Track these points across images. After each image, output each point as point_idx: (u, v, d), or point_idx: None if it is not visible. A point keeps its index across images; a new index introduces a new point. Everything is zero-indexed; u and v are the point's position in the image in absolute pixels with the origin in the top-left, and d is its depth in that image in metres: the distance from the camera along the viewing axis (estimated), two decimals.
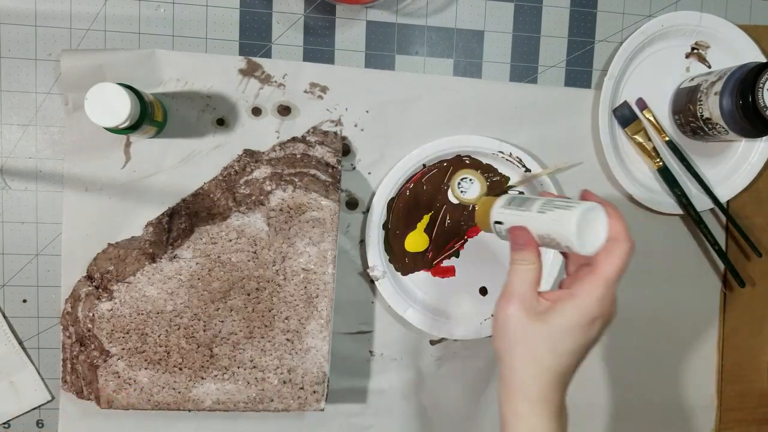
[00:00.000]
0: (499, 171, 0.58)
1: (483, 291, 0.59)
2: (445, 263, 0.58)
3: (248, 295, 0.52)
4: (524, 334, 0.38)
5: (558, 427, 0.38)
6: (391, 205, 0.56)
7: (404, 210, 0.57)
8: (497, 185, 0.58)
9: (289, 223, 0.52)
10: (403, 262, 0.57)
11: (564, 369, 0.38)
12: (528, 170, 0.56)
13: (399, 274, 0.57)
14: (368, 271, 0.55)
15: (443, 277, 0.58)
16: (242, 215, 0.52)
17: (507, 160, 0.56)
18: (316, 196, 0.52)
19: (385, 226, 0.56)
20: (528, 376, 0.38)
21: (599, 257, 0.39)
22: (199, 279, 0.52)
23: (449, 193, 0.57)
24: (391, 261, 0.57)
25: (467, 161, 0.57)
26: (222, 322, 0.52)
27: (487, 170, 0.58)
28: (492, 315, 0.56)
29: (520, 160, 0.56)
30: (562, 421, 0.39)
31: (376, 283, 0.55)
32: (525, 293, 0.39)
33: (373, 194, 0.55)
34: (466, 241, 0.58)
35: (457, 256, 0.58)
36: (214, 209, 0.52)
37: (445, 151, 0.56)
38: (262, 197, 0.52)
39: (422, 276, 0.58)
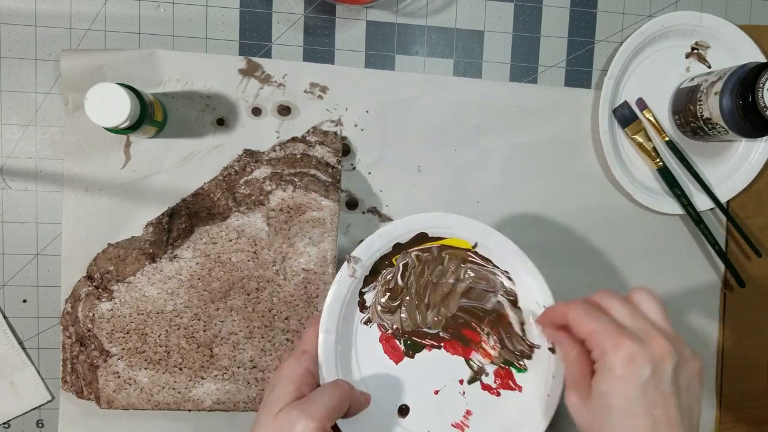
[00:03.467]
0: (524, 324, 0.48)
1: (403, 411, 0.47)
2: (400, 343, 0.48)
3: (248, 295, 0.52)
4: (589, 419, 0.39)
5: None
6: (415, 243, 0.47)
7: (422, 260, 0.48)
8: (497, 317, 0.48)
9: (289, 223, 0.52)
10: (381, 295, 0.48)
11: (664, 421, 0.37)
12: (553, 351, 0.47)
13: (358, 298, 0.47)
14: (350, 257, 0.45)
15: (384, 352, 0.47)
16: (242, 215, 0.52)
17: (506, 298, 0.48)
18: (316, 196, 0.52)
19: (396, 246, 0.47)
20: None
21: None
22: (199, 279, 0.52)
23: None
24: (365, 279, 0.47)
25: (507, 284, 0.48)
26: (222, 322, 0.52)
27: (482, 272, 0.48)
28: None
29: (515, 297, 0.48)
30: None
31: (337, 275, 0.45)
32: (575, 379, 0.40)
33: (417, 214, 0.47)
34: (439, 347, 0.48)
35: (417, 352, 0.48)
36: (214, 209, 0.52)
37: (497, 251, 0.47)
38: (262, 197, 0.52)
39: (373, 328, 0.47)
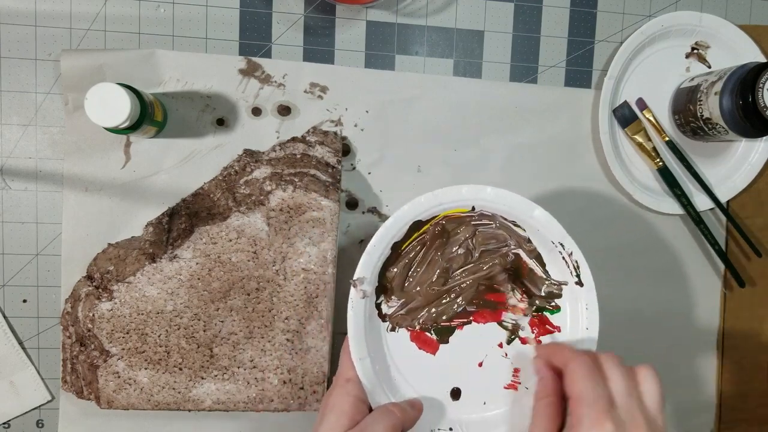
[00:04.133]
0: (546, 266, 0.47)
1: (455, 393, 0.47)
2: (431, 335, 0.47)
3: (248, 295, 0.52)
4: None
5: None
6: (413, 232, 0.46)
7: (424, 244, 0.47)
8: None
9: (289, 223, 0.52)
10: (390, 298, 0.47)
11: None
12: (581, 283, 0.47)
13: (375, 310, 0.46)
14: (355, 281, 0.44)
15: (419, 349, 0.47)
16: (242, 215, 0.52)
17: (562, 258, 0.46)
18: (316, 196, 0.52)
19: (394, 247, 0.45)
20: None
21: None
22: (199, 279, 0.52)
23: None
24: (377, 290, 0.46)
25: (522, 233, 0.47)
26: (222, 322, 0.52)
27: (520, 240, 0.47)
28: (450, 429, 0.46)
29: (578, 266, 0.46)
30: None
31: (349, 303, 0.44)
32: (540, 426, 0.39)
33: (400, 208, 0.45)
34: (469, 323, 0.47)
35: (449, 335, 0.47)
36: (214, 209, 0.52)
37: (502, 208, 0.45)
38: (262, 197, 0.52)
39: (401, 331, 0.47)
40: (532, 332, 0.47)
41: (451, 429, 0.46)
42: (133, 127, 0.47)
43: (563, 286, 0.47)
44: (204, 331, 0.52)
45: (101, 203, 0.53)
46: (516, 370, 0.47)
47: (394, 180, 0.57)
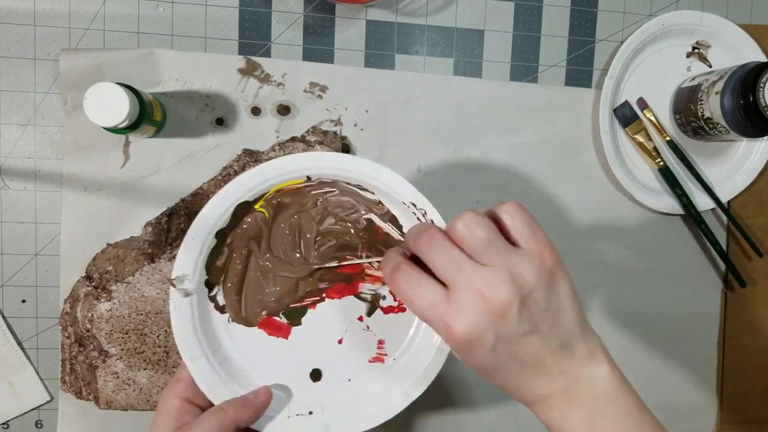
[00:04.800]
0: (403, 229, 0.44)
1: (316, 375, 0.44)
2: (281, 318, 0.44)
3: None
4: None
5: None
6: (242, 210, 0.42)
7: (256, 226, 0.43)
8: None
9: None
10: (229, 295, 0.43)
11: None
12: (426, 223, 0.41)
13: (210, 304, 0.43)
14: (173, 280, 0.40)
15: (269, 335, 0.44)
16: None
17: (417, 217, 0.42)
18: None
19: (219, 234, 0.42)
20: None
21: None
22: None
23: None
24: (207, 283, 0.42)
25: (371, 197, 0.44)
26: None
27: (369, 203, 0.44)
28: (310, 412, 0.43)
29: (425, 213, 0.42)
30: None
31: (171, 303, 0.40)
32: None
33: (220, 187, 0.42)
34: (322, 300, 0.44)
35: (301, 316, 0.44)
36: None
37: (343, 172, 0.42)
38: None
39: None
40: (395, 301, 0.44)
41: (311, 412, 0.43)
42: (132, 127, 0.47)
43: None
44: None
45: (100, 203, 0.53)
46: (380, 342, 0.44)
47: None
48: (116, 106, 0.44)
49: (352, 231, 0.44)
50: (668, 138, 0.59)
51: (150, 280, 0.51)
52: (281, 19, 0.55)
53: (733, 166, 0.61)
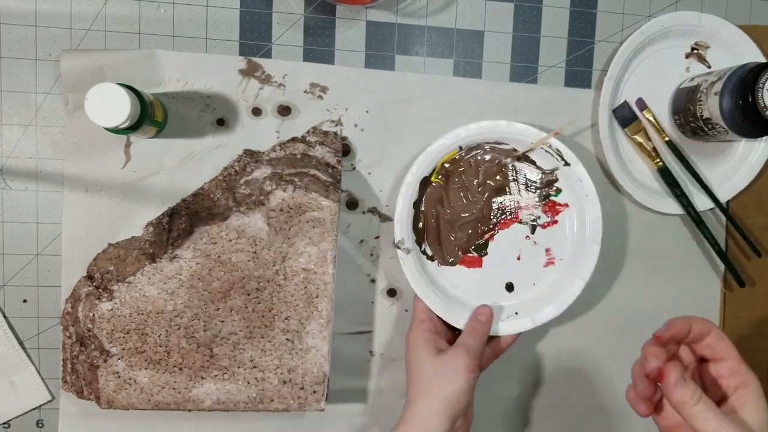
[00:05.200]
0: (536, 163, 0.57)
1: (509, 287, 0.57)
2: (473, 254, 0.57)
3: (248, 295, 0.52)
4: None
5: None
6: (424, 184, 0.55)
7: (436, 192, 0.56)
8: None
9: (289, 223, 0.52)
10: (432, 246, 0.57)
11: None
12: (568, 164, 0.55)
13: (424, 257, 0.56)
14: (397, 243, 0.54)
15: (469, 268, 0.57)
16: (242, 215, 0.52)
17: (546, 151, 0.55)
18: (316, 196, 0.52)
19: (415, 205, 0.55)
20: None
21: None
22: (199, 279, 0.52)
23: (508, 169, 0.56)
24: (418, 242, 0.56)
25: (506, 148, 0.56)
26: (222, 322, 0.52)
27: (524, 159, 0.57)
28: (516, 313, 0.56)
29: (560, 152, 0.55)
30: None
31: (400, 261, 0.54)
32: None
33: (407, 171, 0.54)
34: (496, 232, 0.57)
35: (486, 248, 0.57)
36: (215, 209, 0.53)
37: (483, 136, 0.55)
38: (262, 197, 0.52)
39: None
40: (547, 217, 0.57)
41: (516, 313, 0.56)
42: (134, 128, 0.47)
43: (555, 172, 0.56)
44: (204, 331, 0.52)
45: (101, 203, 0.53)
46: (547, 250, 0.57)
47: (394, 180, 0.57)
48: (117, 107, 0.44)
49: (501, 174, 0.57)
50: (667, 138, 0.59)
51: (151, 280, 0.51)
52: (282, 20, 0.55)
53: (732, 166, 0.61)
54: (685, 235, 0.62)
